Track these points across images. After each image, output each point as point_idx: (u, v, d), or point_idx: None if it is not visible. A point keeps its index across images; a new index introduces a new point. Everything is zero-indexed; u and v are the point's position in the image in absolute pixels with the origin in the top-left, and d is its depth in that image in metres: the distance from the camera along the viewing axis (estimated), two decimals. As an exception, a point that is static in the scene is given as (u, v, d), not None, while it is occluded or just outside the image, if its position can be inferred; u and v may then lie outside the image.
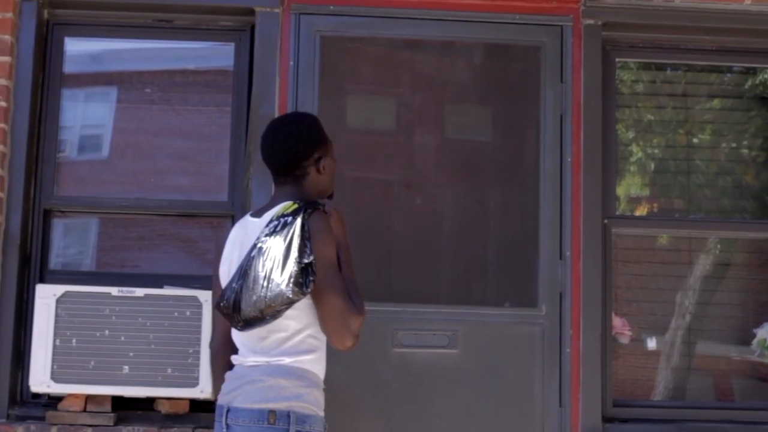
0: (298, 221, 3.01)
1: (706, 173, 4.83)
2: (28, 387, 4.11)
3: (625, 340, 4.62)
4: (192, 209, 4.41)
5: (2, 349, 4.17)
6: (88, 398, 4.08)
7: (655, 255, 4.80)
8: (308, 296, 3.00)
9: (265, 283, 2.96)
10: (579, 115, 4.39)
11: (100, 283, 4.15)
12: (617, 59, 4.60)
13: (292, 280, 2.93)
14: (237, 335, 3.20)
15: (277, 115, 4.25)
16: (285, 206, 3.11)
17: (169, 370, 4.03)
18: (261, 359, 3.09)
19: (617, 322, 4.55)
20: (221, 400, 3.16)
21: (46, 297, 4.04)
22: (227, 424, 3.06)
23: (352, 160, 4.48)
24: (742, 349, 4.71)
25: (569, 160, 4.37)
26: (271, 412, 2.99)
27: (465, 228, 4.44)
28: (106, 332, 4.04)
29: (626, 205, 4.75)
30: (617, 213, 4.54)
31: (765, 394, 4.71)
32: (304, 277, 2.94)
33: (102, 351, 4.03)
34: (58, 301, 4.03)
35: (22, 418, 4.16)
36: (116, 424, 4.09)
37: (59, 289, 4.05)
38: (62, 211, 4.44)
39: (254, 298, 2.97)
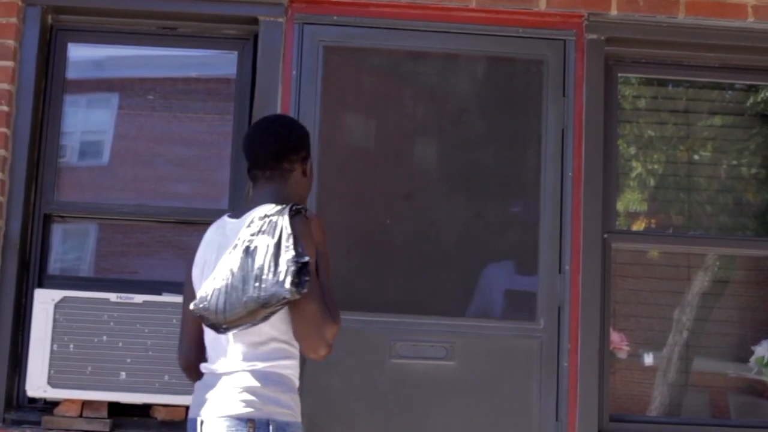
0: (287, 221, 2.94)
1: (706, 190, 4.83)
2: (24, 391, 4.11)
3: (622, 355, 4.62)
4: (192, 216, 4.40)
5: (-1, 353, 4.18)
6: (85, 404, 4.08)
7: (654, 270, 4.79)
8: None
9: (257, 284, 2.85)
10: (580, 130, 4.39)
11: (99, 289, 4.15)
12: (619, 74, 4.61)
13: (288, 279, 2.83)
14: (209, 341, 3.15)
15: (278, 124, 4.27)
16: (267, 208, 3.06)
17: (167, 377, 4.03)
18: (234, 365, 3.00)
19: (615, 336, 4.55)
20: (194, 412, 3.04)
21: (44, 302, 4.04)
22: None
23: (352, 170, 4.49)
24: (740, 366, 4.71)
25: (570, 174, 4.37)
26: (250, 420, 2.89)
27: (465, 240, 4.44)
28: (104, 338, 4.04)
29: (626, 220, 4.75)
30: (617, 228, 4.54)
31: (762, 412, 4.70)
32: (299, 276, 2.85)
33: (99, 357, 4.02)
34: (57, 306, 4.03)
35: (18, 423, 4.15)
36: (112, 430, 4.09)
37: (58, 294, 4.05)
38: (62, 216, 4.44)
39: (244, 298, 2.86)
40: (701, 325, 4.77)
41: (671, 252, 4.77)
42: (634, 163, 4.79)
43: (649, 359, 4.72)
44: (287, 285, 2.84)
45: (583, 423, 4.24)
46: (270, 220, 2.97)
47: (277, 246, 2.90)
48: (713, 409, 4.74)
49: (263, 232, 2.94)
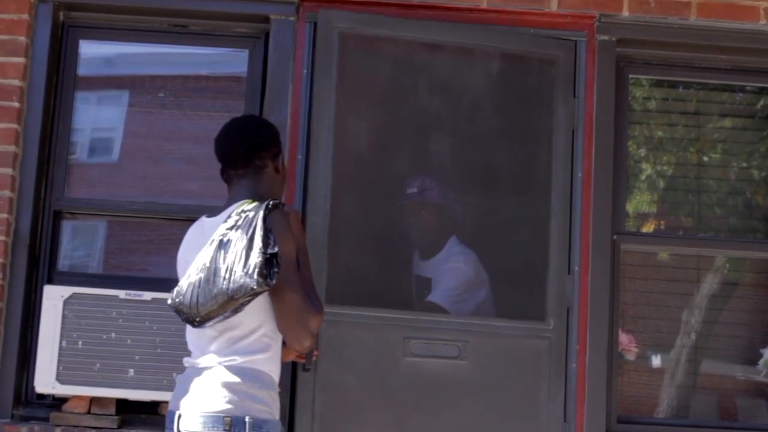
0: (260, 214, 2.99)
1: (716, 192, 4.83)
2: (33, 387, 4.10)
3: (631, 356, 4.62)
4: (201, 214, 4.39)
5: (8, 349, 4.17)
6: (93, 400, 4.07)
7: (663, 272, 4.80)
8: (265, 294, 2.97)
9: (227, 275, 2.91)
10: (591, 131, 4.39)
11: (108, 286, 4.14)
12: (630, 76, 4.60)
13: (256, 270, 2.88)
14: (190, 336, 3.18)
15: (289, 122, 4.27)
16: (244, 203, 3.10)
17: (175, 375, 4.01)
18: (213, 360, 3.05)
19: (624, 338, 4.55)
20: (173, 405, 3.12)
21: (53, 298, 4.03)
22: (179, 431, 3.03)
23: (362, 168, 4.49)
24: (748, 368, 4.71)
25: (580, 175, 4.37)
26: (227, 417, 2.94)
27: (475, 240, 4.43)
28: (113, 335, 4.04)
29: (635, 221, 4.76)
30: (626, 229, 4.53)
31: (769, 415, 4.71)
32: (268, 268, 2.90)
33: (108, 353, 4.02)
34: (66, 302, 4.03)
35: (26, 419, 4.15)
36: (120, 426, 4.08)
37: (67, 291, 4.05)
38: (72, 213, 4.44)
39: (215, 290, 2.92)
40: (710, 327, 4.77)
41: (680, 254, 4.78)
42: (644, 165, 4.79)
43: (657, 361, 4.72)
44: (255, 276, 2.87)
45: (591, 424, 4.23)
46: (246, 216, 3.02)
47: (250, 240, 2.94)
48: (721, 412, 4.74)
49: (238, 227, 3.00)
